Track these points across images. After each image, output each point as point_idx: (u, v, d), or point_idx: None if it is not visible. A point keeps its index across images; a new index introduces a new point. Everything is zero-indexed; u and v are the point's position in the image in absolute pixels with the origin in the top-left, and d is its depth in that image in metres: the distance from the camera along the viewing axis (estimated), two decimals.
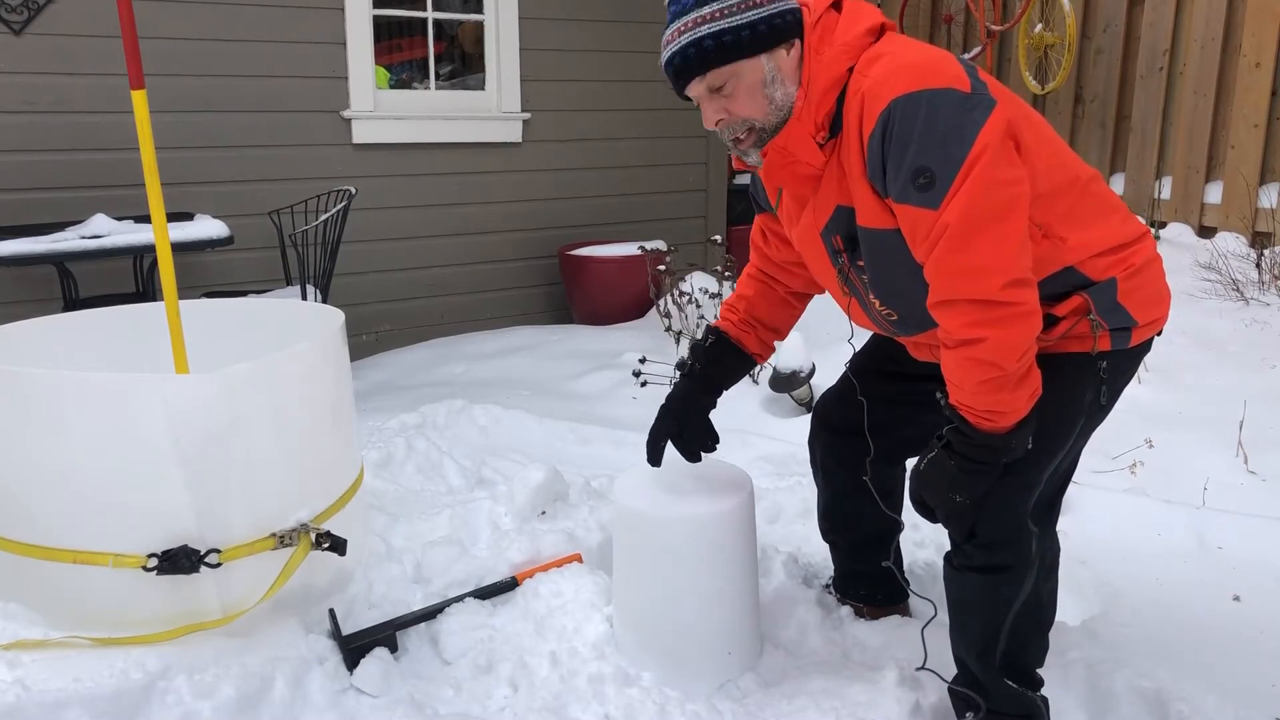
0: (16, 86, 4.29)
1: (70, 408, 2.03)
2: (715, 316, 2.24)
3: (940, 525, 1.83)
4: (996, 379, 1.61)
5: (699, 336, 2.18)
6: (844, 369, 2.19)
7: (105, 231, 3.81)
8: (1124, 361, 1.81)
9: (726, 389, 2.16)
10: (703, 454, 2.11)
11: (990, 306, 1.58)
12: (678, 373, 2.16)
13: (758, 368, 2.32)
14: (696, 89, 1.71)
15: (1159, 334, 1.86)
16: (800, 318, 2.21)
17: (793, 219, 1.91)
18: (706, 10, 1.66)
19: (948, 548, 1.88)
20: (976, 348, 1.60)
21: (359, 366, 4.67)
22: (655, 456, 2.10)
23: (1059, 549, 1.91)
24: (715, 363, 2.13)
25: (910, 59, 1.62)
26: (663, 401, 2.12)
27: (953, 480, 1.72)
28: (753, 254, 2.18)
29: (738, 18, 1.65)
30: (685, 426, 2.09)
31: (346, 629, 2.19)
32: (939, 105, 1.57)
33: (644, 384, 4.13)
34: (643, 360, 4.23)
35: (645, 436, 2.10)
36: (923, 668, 1.99)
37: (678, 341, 4.57)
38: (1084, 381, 1.77)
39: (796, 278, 2.11)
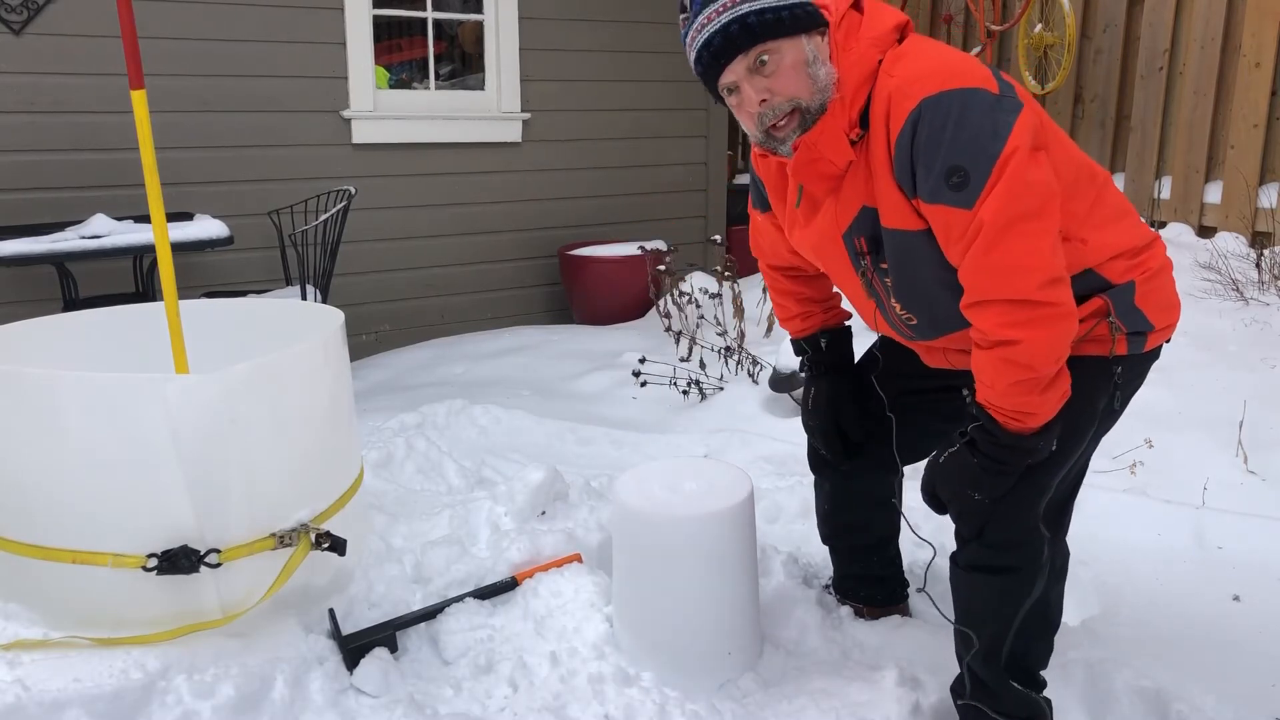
0: (16, 86, 4.29)
1: (70, 408, 2.03)
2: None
3: (943, 521, 1.83)
4: (1029, 381, 1.60)
5: (796, 362, 2.30)
6: None
7: (105, 231, 3.81)
8: (1137, 367, 1.81)
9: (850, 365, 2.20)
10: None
11: (1028, 306, 1.56)
12: (805, 372, 2.22)
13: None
14: (736, 70, 1.64)
15: (1168, 341, 1.85)
16: None
17: (804, 221, 1.87)
18: None
19: (951, 548, 1.88)
20: (1012, 349, 1.58)
21: (359, 366, 4.67)
22: (836, 447, 2.16)
23: (1069, 553, 1.90)
24: (836, 349, 2.18)
25: (937, 60, 1.62)
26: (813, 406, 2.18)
27: (975, 478, 1.71)
28: (762, 263, 2.18)
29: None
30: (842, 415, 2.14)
31: (346, 629, 2.19)
32: (970, 105, 1.56)
33: (644, 384, 4.12)
34: (643, 360, 4.23)
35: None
36: (922, 590, 2.11)
37: (677, 342, 4.57)
38: (1100, 386, 1.76)
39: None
